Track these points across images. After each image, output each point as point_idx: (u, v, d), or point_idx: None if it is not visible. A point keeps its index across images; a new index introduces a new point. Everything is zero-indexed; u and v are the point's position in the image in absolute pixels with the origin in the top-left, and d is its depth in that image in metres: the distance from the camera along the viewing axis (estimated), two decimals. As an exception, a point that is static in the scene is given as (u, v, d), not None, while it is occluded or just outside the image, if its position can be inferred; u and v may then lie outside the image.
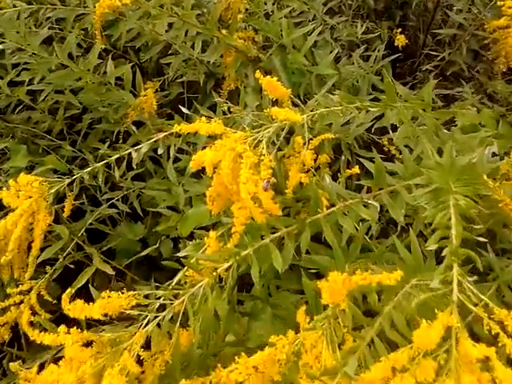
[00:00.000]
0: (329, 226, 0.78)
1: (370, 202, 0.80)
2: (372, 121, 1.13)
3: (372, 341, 0.59)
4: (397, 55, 1.55)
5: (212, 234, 0.77)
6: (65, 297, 0.78)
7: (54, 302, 1.23)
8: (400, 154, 1.46)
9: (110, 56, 1.35)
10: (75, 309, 0.74)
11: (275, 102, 1.26)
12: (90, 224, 1.30)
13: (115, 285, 1.40)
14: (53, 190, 0.92)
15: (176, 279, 0.82)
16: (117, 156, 1.00)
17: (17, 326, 1.21)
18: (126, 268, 1.43)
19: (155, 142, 1.00)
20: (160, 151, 1.02)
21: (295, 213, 1.04)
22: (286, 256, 0.74)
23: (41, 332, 0.74)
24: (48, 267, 1.20)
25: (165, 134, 0.99)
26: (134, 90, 1.37)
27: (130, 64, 1.34)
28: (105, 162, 0.99)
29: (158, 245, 1.30)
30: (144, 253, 1.29)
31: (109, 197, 1.35)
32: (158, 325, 0.69)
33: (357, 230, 0.81)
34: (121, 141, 1.35)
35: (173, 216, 1.28)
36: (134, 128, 1.31)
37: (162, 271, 1.60)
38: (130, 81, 1.35)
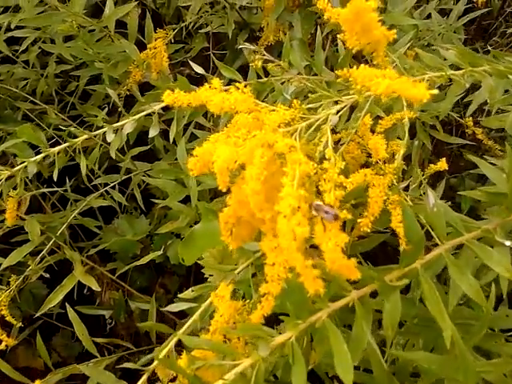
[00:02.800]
0: (431, 283, 0.43)
1: (508, 243, 0.44)
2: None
3: None
4: (482, 11, 1.28)
5: (223, 288, 0.44)
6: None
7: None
8: (489, 139, 1.13)
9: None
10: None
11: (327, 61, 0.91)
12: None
13: (109, 294, 1.08)
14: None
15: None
16: (84, 137, 0.66)
17: None
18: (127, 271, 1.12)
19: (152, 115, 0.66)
20: (152, 133, 0.68)
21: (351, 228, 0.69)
22: (357, 345, 0.39)
23: None
24: (13, 277, 0.89)
25: (162, 105, 0.65)
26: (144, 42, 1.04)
27: (136, 2, 0.98)
28: (66, 144, 0.66)
29: (163, 250, 0.97)
30: (145, 260, 0.96)
31: (103, 182, 1.03)
32: None
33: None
34: (120, 108, 1.01)
35: (184, 212, 0.95)
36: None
37: (172, 275, 1.28)
38: (136, 27, 1.01)
